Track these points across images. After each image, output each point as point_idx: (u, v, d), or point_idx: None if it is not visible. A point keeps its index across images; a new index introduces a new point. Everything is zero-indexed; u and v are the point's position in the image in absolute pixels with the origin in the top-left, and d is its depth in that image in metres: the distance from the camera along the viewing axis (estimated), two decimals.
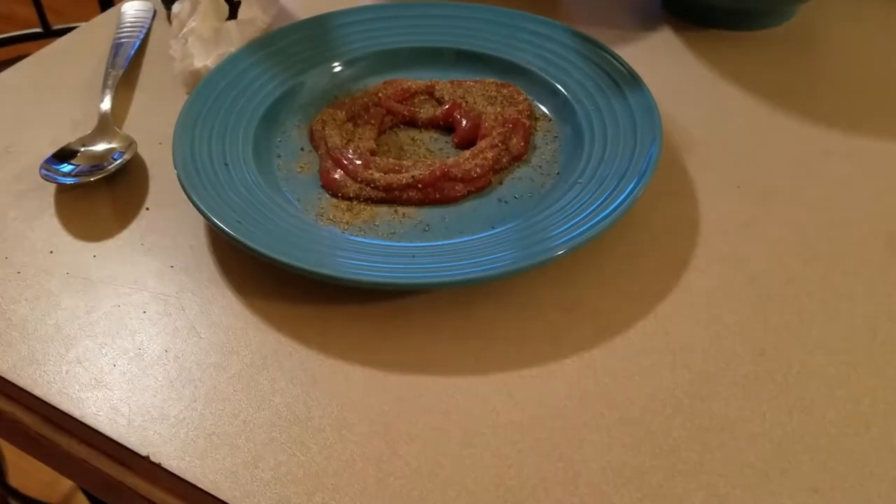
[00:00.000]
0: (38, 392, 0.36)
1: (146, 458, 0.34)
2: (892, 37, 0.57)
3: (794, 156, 0.47)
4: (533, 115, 0.49)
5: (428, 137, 0.49)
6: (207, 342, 0.38)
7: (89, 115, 0.51)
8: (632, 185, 0.41)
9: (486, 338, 0.38)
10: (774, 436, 0.34)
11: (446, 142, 0.48)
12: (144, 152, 0.48)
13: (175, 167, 0.42)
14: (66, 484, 1.22)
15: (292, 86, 0.50)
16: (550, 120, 0.49)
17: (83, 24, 0.60)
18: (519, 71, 0.51)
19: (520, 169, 0.46)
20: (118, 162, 0.45)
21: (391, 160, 0.45)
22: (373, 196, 0.44)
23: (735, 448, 0.34)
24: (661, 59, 0.55)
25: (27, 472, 1.21)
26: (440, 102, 0.49)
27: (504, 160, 0.46)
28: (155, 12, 0.61)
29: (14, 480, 1.13)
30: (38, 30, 1.11)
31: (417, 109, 0.49)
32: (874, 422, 0.34)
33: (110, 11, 0.61)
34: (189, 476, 0.33)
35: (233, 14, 0.55)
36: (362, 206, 0.44)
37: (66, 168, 0.45)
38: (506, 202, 0.44)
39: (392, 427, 0.35)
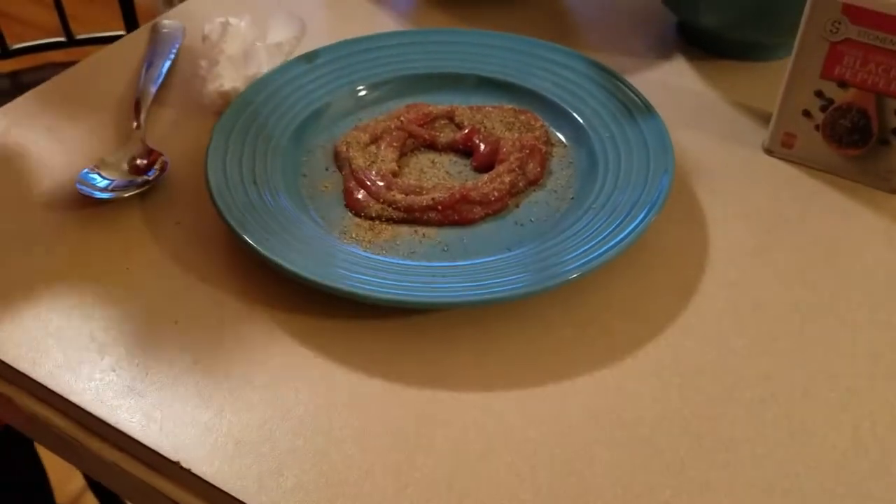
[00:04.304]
0: (73, 398, 0.38)
1: (177, 464, 0.35)
2: None
3: (801, 186, 0.49)
4: (549, 141, 0.51)
5: (447, 160, 0.50)
6: (235, 354, 0.40)
7: (122, 130, 0.53)
8: (643, 213, 0.43)
9: (502, 355, 0.39)
10: (777, 457, 0.35)
11: (465, 165, 0.50)
12: (175, 169, 0.50)
13: (208, 185, 0.44)
14: (76, 485, 1.23)
15: (318, 108, 0.52)
16: (566, 146, 0.51)
17: (115, 42, 0.62)
18: (536, 98, 0.53)
19: (536, 193, 0.47)
20: (152, 178, 0.47)
21: (412, 182, 0.47)
22: (394, 216, 0.45)
23: (739, 468, 0.35)
24: (674, 86, 0.57)
25: None
26: (460, 127, 0.51)
27: (521, 184, 0.47)
28: (185, 31, 0.63)
29: None
30: (62, 39, 1.14)
31: (438, 133, 0.51)
32: (873, 446, 0.36)
33: (141, 29, 0.63)
34: (217, 481, 0.34)
35: (262, 38, 0.57)
36: (384, 225, 0.45)
37: (102, 183, 0.47)
38: (522, 225, 0.45)
39: (410, 439, 0.36)
